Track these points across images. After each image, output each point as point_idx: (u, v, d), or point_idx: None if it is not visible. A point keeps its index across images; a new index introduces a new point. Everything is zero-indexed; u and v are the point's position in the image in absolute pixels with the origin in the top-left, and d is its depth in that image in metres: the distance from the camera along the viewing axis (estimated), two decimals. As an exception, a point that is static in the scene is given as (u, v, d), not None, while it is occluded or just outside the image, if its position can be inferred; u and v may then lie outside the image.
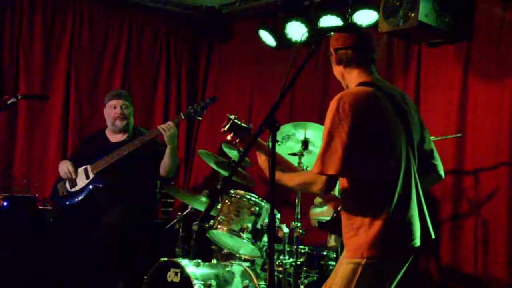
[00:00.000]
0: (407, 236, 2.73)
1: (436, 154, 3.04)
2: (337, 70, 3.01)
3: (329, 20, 5.34)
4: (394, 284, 2.82)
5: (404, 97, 2.98)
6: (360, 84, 2.89)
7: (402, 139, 2.80)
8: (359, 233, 2.72)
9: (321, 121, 4.86)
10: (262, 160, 3.04)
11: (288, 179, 2.95)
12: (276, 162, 3.08)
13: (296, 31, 5.64)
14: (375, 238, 2.69)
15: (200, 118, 5.10)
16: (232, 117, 3.08)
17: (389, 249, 2.72)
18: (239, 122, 3.13)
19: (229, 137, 3.09)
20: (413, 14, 4.57)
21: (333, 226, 3.00)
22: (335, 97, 2.76)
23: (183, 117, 5.01)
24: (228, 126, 3.08)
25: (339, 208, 2.93)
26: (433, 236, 2.88)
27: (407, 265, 2.83)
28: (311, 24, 5.48)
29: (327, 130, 2.71)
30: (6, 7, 6.01)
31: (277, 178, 2.92)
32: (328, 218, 3.07)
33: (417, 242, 2.77)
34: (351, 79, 2.95)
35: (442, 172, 3.06)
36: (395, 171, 2.74)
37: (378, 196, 2.74)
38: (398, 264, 2.80)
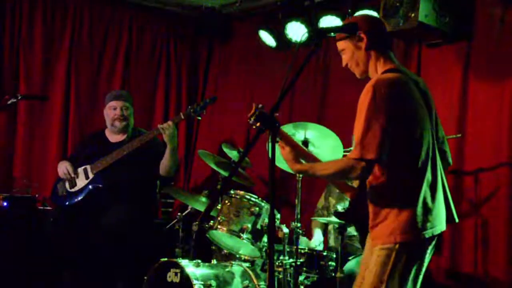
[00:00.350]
0: (435, 221, 2.78)
1: (446, 140, 3.11)
2: (362, 55, 2.94)
3: (329, 21, 5.34)
4: (425, 266, 2.85)
5: (424, 83, 3.00)
6: (389, 70, 2.88)
7: (429, 125, 2.85)
8: (388, 219, 2.76)
9: (320, 122, 4.89)
10: (286, 152, 3.01)
11: (322, 168, 2.93)
12: (302, 155, 3.06)
13: (296, 31, 5.64)
14: (406, 223, 2.72)
15: (200, 118, 5.09)
16: (260, 106, 3.01)
17: (420, 233, 2.74)
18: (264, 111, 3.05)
19: (254, 127, 2.99)
20: (413, 15, 4.57)
21: (351, 215, 2.99)
22: (370, 83, 2.76)
23: (182, 117, 5.00)
24: (255, 115, 2.99)
25: (354, 198, 2.93)
26: (457, 220, 2.96)
27: (434, 248, 2.87)
28: (311, 24, 5.48)
29: (365, 116, 2.70)
30: (6, 7, 6.02)
31: (307, 169, 2.93)
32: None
33: (443, 226, 2.83)
34: (377, 65, 2.93)
35: (450, 159, 3.12)
36: (426, 156, 2.79)
37: (409, 181, 2.77)
38: (427, 247, 2.82)
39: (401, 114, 2.75)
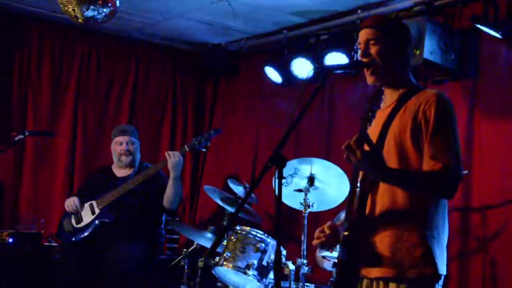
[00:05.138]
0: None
1: None
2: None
3: (334, 57, 5.37)
4: None
5: None
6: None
7: None
8: (427, 246, 2.55)
9: (327, 158, 4.88)
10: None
11: (416, 177, 2.60)
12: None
13: (302, 68, 5.67)
14: (444, 253, 2.60)
15: (204, 150, 5.10)
16: None
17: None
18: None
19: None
20: (418, 52, 4.60)
21: (350, 244, 2.66)
22: (436, 92, 2.68)
23: (187, 148, 5.01)
24: None
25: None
26: None
27: None
28: (317, 61, 5.52)
29: (451, 128, 2.60)
30: (16, 44, 6.09)
31: (397, 176, 2.61)
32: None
33: None
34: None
35: None
36: None
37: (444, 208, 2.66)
38: None
39: None
